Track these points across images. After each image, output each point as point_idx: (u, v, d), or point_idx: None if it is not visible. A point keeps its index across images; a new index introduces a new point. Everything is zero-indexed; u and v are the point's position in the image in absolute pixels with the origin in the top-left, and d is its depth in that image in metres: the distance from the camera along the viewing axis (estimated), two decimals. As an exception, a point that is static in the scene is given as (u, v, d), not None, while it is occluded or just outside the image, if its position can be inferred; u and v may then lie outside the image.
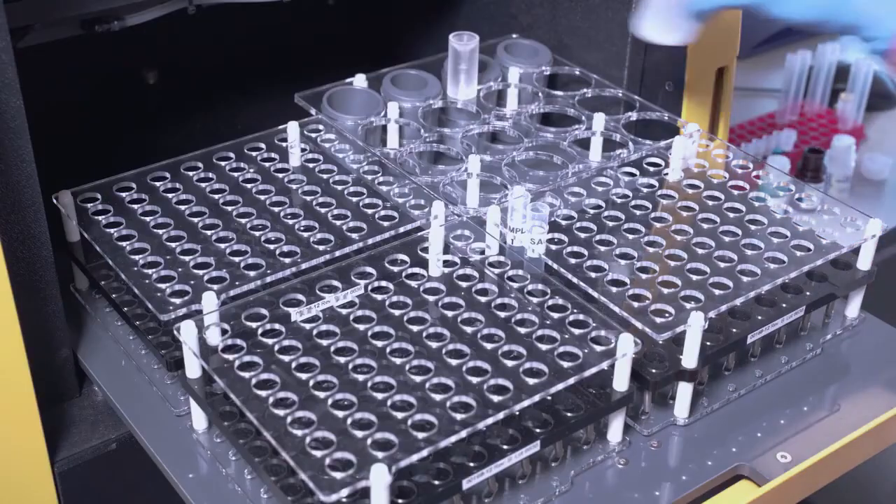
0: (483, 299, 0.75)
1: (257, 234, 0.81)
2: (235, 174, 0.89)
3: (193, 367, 0.70)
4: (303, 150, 0.91)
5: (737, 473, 0.72)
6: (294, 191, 0.87)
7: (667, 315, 0.73)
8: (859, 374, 0.80)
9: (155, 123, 1.10)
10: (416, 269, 0.78)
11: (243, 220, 0.83)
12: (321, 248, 0.80)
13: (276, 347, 0.70)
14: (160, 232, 0.81)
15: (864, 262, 0.81)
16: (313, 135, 0.93)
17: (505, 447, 0.66)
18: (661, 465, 0.72)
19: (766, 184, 0.88)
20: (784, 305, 0.78)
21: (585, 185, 0.87)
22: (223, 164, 0.90)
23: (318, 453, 0.62)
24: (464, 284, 0.77)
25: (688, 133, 0.91)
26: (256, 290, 0.76)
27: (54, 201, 0.80)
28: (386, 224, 0.82)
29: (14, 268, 0.71)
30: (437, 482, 0.64)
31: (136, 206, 0.84)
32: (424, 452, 0.62)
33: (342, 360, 0.69)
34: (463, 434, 0.63)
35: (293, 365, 0.69)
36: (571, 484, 0.70)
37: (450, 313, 0.74)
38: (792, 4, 0.76)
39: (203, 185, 0.87)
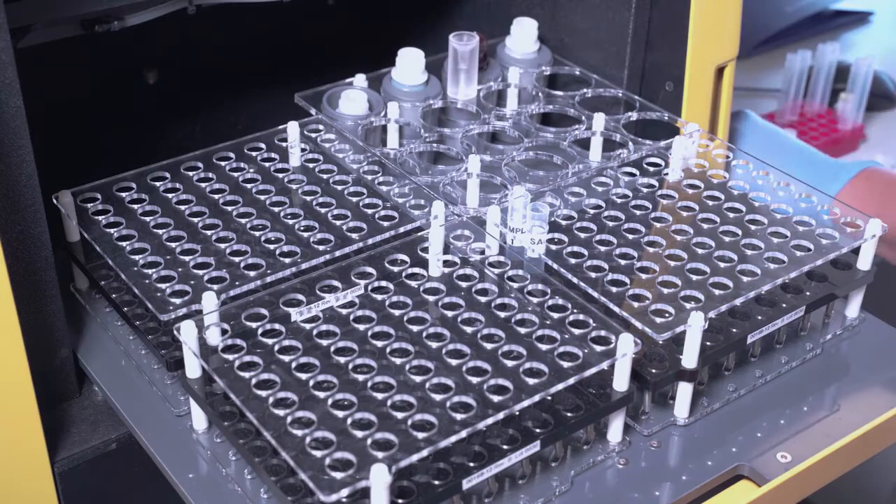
0: (483, 299, 0.75)
1: (257, 234, 0.81)
2: (235, 174, 0.89)
3: (193, 367, 0.70)
4: (303, 150, 0.91)
5: (737, 473, 0.72)
6: (294, 191, 0.87)
7: (667, 315, 0.73)
8: (859, 374, 0.80)
9: (155, 123, 1.10)
10: (416, 269, 0.78)
11: (243, 220, 0.83)
12: (321, 248, 0.80)
13: (276, 347, 0.70)
14: (160, 232, 0.81)
15: (864, 262, 0.81)
16: (313, 135, 0.93)
17: (505, 447, 0.66)
18: (661, 465, 0.72)
19: (766, 183, 0.89)
20: (784, 305, 0.78)
21: (585, 185, 0.87)
22: (223, 164, 0.90)
23: (318, 453, 0.62)
24: (464, 284, 0.77)
25: (688, 133, 0.91)
26: (256, 290, 0.76)
27: (54, 201, 0.80)
28: (386, 224, 0.82)
29: (14, 268, 0.71)
30: (437, 482, 0.64)
31: (136, 206, 0.84)
32: (424, 452, 0.62)
33: (342, 360, 0.69)
34: (463, 434, 0.63)
35: (293, 365, 0.69)
36: (571, 484, 0.70)
37: (450, 313, 0.74)
38: None
39: (203, 185, 0.87)
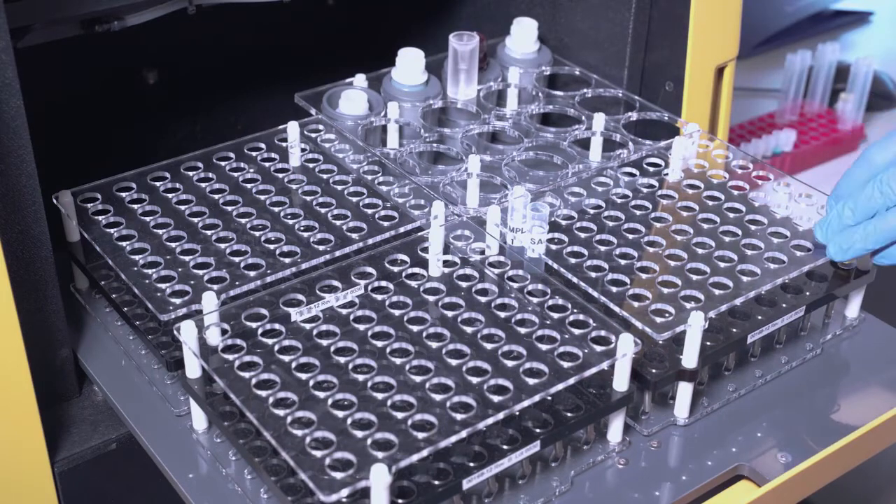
0: (483, 299, 0.75)
1: (257, 234, 0.81)
2: (235, 174, 0.89)
3: (193, 367, 0.70)
4: (303, 150, 0.91)
5: (737, 473, 0.72)
6: (294, 191, 0.87)
7: (667, 315, 0.73)
8: (859, 374, 0.80)
9: (155, 123, 1.10)
10: (416, 269, 0.78)
11: (243, 220, 0.83)
12: (321, 248, 0.80)
13: (276, 347, 0.70)
14: (160, 232, 0.81)
15: (865, 262, 0.81)
16: (313, 135, 0.93)
17: (505, 447, 0.66)
18: (661, 465, 0.72)
19: (767, 183, 0.89)
20: (784, 305, 0.78)
21: (585, 185, 0.87)
22: (223, 164, 0.90)
23: (318, 453, 0.62)
24: (464, 284, 0.77)
25: (688, 133, 0.91)
26: (256, 290, 0.76)
27: (54, 201, 0.80)
28: (386, 224, 0.82)
29: (14, 268, 0.71)
30: (437, 482, 0.64)
31: (136, 206, 0.84)
32: (424, 452, 0.62)
33: (342, 360, 0.69)
34: (463, 434, 0.63)
35: (293, 365, 0.69)
36: (571, 484, 0.70)
37: (450, 313, 0.74)
38: None
39: (203, 185, 0.87)
